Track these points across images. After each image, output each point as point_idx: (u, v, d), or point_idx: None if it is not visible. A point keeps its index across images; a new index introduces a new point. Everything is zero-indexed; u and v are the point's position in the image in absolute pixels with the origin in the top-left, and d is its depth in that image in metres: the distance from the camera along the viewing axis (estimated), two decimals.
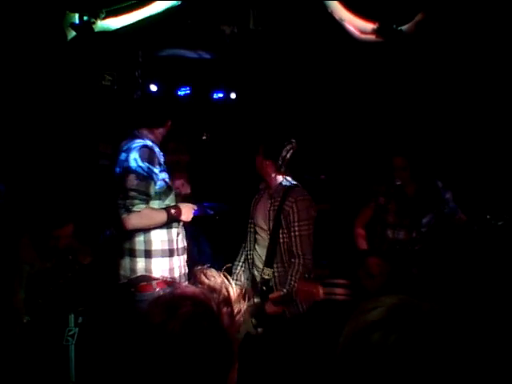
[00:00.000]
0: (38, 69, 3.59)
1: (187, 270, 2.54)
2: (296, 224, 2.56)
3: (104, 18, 3.21)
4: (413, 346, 0.75)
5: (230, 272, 2.55)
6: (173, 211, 2.40)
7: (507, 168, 3.42)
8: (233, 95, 4.41)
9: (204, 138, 4.45)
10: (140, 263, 2.39)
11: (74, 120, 4.13)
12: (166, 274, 2.41)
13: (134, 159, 2.32)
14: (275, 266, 2.65)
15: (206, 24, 3.67)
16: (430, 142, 3.34)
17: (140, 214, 2.28)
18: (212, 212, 3.95)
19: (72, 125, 4.11)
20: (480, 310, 2.68)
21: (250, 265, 2.77)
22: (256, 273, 2.75)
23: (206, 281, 0.98)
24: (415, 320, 0.77)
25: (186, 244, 2.57)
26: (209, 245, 3.55)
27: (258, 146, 2.66)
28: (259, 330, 2.53)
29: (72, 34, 3.31)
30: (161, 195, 2.43)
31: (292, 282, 2.56)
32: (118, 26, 3.27)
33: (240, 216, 3.04)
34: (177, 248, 2.47)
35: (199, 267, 1.04)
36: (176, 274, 2.47)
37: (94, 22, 3.18)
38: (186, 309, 0.89)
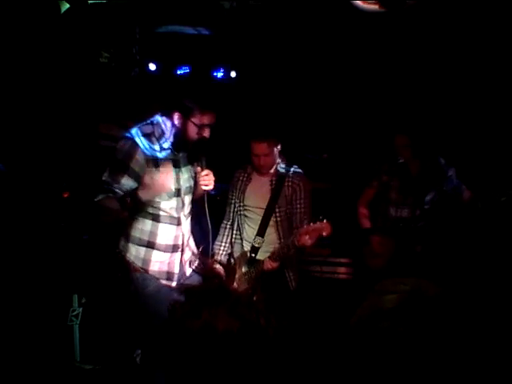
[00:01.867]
0: (31, 45, 3.51)
1: (174, 270, 2.45)
2: (302, 201, 2.74)
3: None
4: (418, 339, 0.77)
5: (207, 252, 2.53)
6: (127, 199, 2.27)
7: (510, 144, 3.38)
8: (233, 74, 4.32)
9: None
10: (121, 242, 2.42)
11: (72, 99, 4.07)
12: (139, 263, 2.38)
13: (115, 149, 2.28)
14: (266, 235, 2.78)
15: None
16: (432, 119, 3.30)
17: (96, 205, 2.22)
18: (214, 192, 3.92)
19: (69, 104, 4.05)
20: (484, 287, 2.69)
21: (238, 241, 2.85)
22: (247, 247, 2.84)
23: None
24: (422, 313, 0.79)
25: (177, 244, 2.45)
26: (211, 224, 3.53)
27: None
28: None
29: (65, 6, 3.23)
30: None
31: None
32: None
33: None
34: (160, 243, 2.39)
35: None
36: (151, 268, 2.40)
37: None
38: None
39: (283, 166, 2.79)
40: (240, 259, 2.79)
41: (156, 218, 2.36)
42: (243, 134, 2.74)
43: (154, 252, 2.38)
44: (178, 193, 2.40)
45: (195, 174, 2.49)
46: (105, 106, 4.23)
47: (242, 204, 2.78)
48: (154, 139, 2.30)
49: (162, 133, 2.33)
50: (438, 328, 0.78)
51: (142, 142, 2.27)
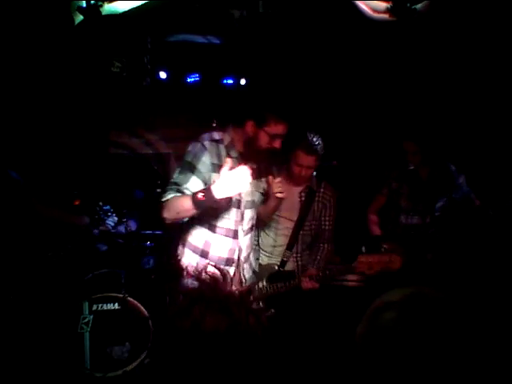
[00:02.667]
0: (45, 55, 3.57)
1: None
2: (331, 218, 2.81)
3: (111, 1, 3.17)
4: (422, 336, 0.76)
5: None
6: (199, 195, 2.05)
7: None
8: (243, 81, 4.35)
9: (214, 124, 4.41)
10: (179, 246, 2.40)
11: (84, 108, 4.13)
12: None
13: (185, 152, 2.23)
14: (294, 250, 2.79)
15: (215, 8, 3.61)
16: (442, 125, 3.27)
17: (166, 204, 2.12)
18: None
19: (81, 113, 4.11)
20: (493, 294, 2.65)
21: (256, 248, 2.79)
22: (265, 258, 2.81)
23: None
24: (427, 314, 0.79)
25: (232, 258, 2.36)
26: None
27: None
28: (271, 310, 2.52)
29: (79, 18, 3.28)
30: None
31: (321, 263, 2.79)
32: (126, 9, 3.23)
33: None
34: (214, 255, 2.32)
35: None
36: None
37: (101, 5, 3.14)
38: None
39: (313, 178, 2.78)
40: (264, 271, 2.73)
41: (212, 228, 2.31)
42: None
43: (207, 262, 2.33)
44: (237, 204, 2.31)
45: (263, 190, 2.43)
46: (116, 114, 4.28)
47: None
48: (221, 146, 2.24)
49: (232, 141, 2.27)
50: (445, 328, 0.77)
51: (210, 146, 2.22)
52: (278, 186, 2.31)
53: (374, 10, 3.16)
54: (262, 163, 2.35)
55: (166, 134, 4.61)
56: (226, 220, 2.30)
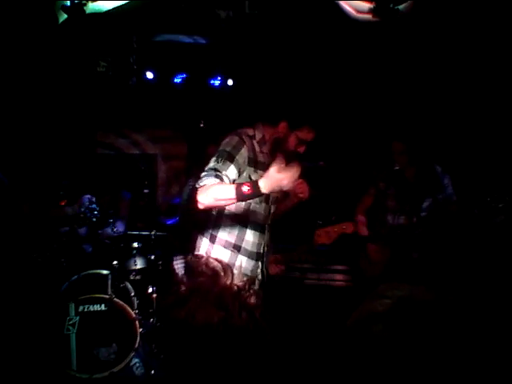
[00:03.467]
0: (29, 54, 3.53)
1: (260, 276, 2.39)
2: None
3: (95, 0, 3.15)
4: (410, 343, 0.77)
5: None
6: (244, 188, 2.02)
7: (507, 150, 3.39)
8: (230, 82, 4.35)
9: (201, 125, 4.41)
10: (204, 243, 2.37)
11: (70, 108, 4.09)
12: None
13: (222, 143, 2.23)
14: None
15: (201, 8, 3.61)
16: (428, 126, 3.31)
17: (205, 188, 2.08)
18: None
19: (67, 113, 4.07)
20: (481, 293, 2.69)
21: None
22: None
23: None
24: (415, 319, 0.79)
25: (259, 252, 2.38)
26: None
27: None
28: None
29: (63, 16, 3.26)
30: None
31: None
32: (110, 8, 3.21)
33: None
34: (246, 249, 2.34)
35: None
36: (235, 271, 2.31)
37: (85, 4, 3.12)
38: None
39: None
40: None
41: (245, 222, 2.32)
42: None
43: (239, 256, 2.34)
44: (267, 199, 2.35)
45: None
46: (103, 114, 4.25)
47: None
48: (254, 141, 2.30)
49: (263, 137, 2.32)
50: (432, 333, 0.78)
51: (247, 141, 2.26)
52: (300, 186, 2.31)
53: (358, 11, 3.19)
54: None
55: (153, 134, 4.60)
56: (258, 215, 2.34)
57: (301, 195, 2.34)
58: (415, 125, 3.10)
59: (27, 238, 2.73)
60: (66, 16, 3.30)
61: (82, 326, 2.91)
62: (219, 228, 2.34)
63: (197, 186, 2.15)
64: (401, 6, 3.07)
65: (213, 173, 2.15)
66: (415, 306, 0.81)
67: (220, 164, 2.18)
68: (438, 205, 2.99)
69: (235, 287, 1.01)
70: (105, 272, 3.07)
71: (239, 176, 2.23)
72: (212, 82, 4.35)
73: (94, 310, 2.96)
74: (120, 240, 3.31)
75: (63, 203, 3.16)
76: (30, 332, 2.62)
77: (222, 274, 1.04)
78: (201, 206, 2.13)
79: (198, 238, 2.41)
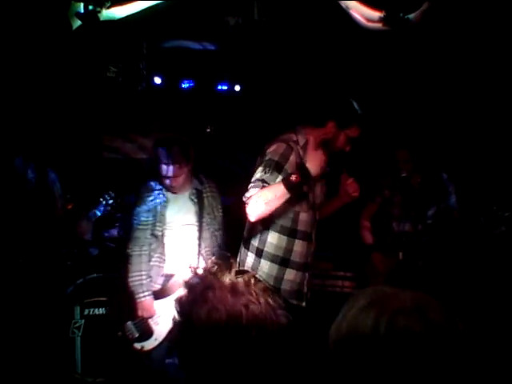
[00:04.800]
0: (42, 59, 3.57)
1: (304, 290, 2.34)
2: (220, 206, 2.88)
3: (109, 7, 3.19)
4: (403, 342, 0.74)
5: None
6: (292, 177, 2.02)
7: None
8: (237, 87, 4.37)
9: (208, 130, 4.43)
10: (250, 258, 2.31)
11: (79, 112, 4.13)
12: (271, 282, 2.24)
13: (268, 152, 2.19)
14: (202, 249, 2.78)
15: (210, 15, 3.64)
16: (433, 133, 3.31)
17: (254, 197, 2.07)
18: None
19: (76, 117, 4.11)
20: (485, 300, 2.67)
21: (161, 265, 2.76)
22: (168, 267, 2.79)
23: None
24: (401, 314, 0.76)
25: (307, 262, 2.33)
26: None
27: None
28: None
29: (77, 23, 3.29)
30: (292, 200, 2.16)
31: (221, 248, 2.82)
32: (123, 15, 3.25)
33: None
34: (294, 261, 2.28)
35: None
36: (283, 287, 2.27)
37: (99, 11, 3.15)
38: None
39: (193, 179, 2.75)
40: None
41: (293, 233, 2.26)
42: (246, 146, 2.73)
43: (288, 270, 2.27)
44: (313, 207, 2.31)
45: (325, 190, 2.40)
46: (110, 118, 4.28)
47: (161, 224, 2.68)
48: (299, 147, 2.25)
49: (306, 142, 2.23)
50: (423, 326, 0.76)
51: (294, 147, 2.23)
52: (351, 185, 2.30)
53: (368, 20, 3.20)
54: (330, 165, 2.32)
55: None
56: (305, 223, 2.28)
57: (353, 194, 2.31)
58: (420, 132, 3.11)
59: (41, 240, 2.75)
60: (79, 23, 3.34)
61: (87, 329, 2.91)
62: (265, 241, 2.27)
63: (244, 199, 2.12)
64: (411, 16, 3.08)
65: (259, 184, 2.10)
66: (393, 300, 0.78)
67: (268, 175, 2.13)
68: (442, 212, 2.98)
69: (242, 281, 1.00)
70: (110, 275, 3.08)
71: None
72: (219, 87, 4.37)
73: (99, 314, 2.97)
74: (125, 243, 3.32)
75: (70, 207, 3.18)
76: (35, 335, 2.63)
77: (227, 268, 1.02)
78: (252, 218, 2.10)
79: (243, 251, 2.35)
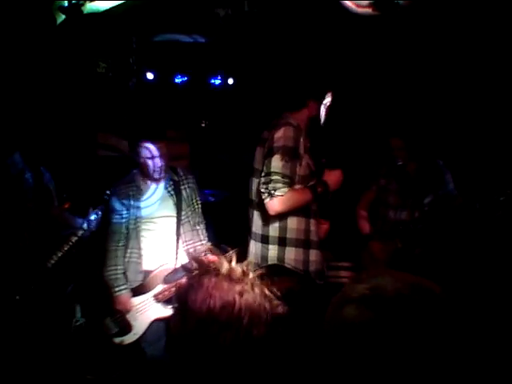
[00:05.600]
0: (28, 56, 3.53)
1: (325, 268, 2.38)
2: (199, 198, 2.86)
3: (92, 0, 3.15)
4: (391, 327, 0.74)
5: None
6: (319, 189, 2.20)
7: (507, 143, 3.39)
8: (230, 81, 4.35)
9: (203, 125, 4.41)
10: (272, 251, 2.29)
11: (71, 110, 4.09)
12: (300, 267, 2.26)
13: (279, 137, 2.20)
14: (181, 241, 2.74)
15: (200, 7, 3.60)
16: (427, 120, 3.31)
17: (283, 199, 2.12)
18: (213, 199, 3.95)
19: (69, 114, 4.07)
20: (483, 288, 2.69)
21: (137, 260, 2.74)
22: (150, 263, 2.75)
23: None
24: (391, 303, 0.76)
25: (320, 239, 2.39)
26: (212, 231, 3.55)
27: None
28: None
29: (61, 17, 3.26)
30: (304, 180, 2.26)
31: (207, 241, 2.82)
32: (107, 7, 3.21)
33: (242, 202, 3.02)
34: (313, 240, 2.31)
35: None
36: (311, 268, 2.30)
37: (82, 4, 3.11)
38: None
39: (168, 169, 2.72)
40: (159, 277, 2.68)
41: (308, 213, 2.30)
42: (240, 139, 2.72)
43: (311, 251, 2.30)
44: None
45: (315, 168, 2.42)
46: (103, 116, 4.25)
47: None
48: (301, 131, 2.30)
49: (299, 125, 2.31)
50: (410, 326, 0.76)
51: (299, 128, 2.28)
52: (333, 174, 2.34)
53: (358, 5, 3.18)
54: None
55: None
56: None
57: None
58: (413, 120, 3.11)
59: (42, 240, 2.75)
60: (63, 17, 3.29)
61: (88, 327, 2.92)
62: (286, 228, 2.27)
63: (266, 191, 2.14)
64: (401, 0, 3.06)
65: (288, 181, 2.15)
66: (389, 295, 0.76)
67: (289, 164, 2.16)
68: (439, 200, 2.99)
69: (240, 269, 1.00)
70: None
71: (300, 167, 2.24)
72: (212, 81, 4.35)
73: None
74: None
75: (67, 206, 3.16)
76: (37, 333, 2.64)
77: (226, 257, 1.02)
78: (273, 213, 2.17)
79: (259, 246, 2.33)
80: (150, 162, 2.57)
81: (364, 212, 3.22)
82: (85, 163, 4.02)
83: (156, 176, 2.61)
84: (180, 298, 0.98)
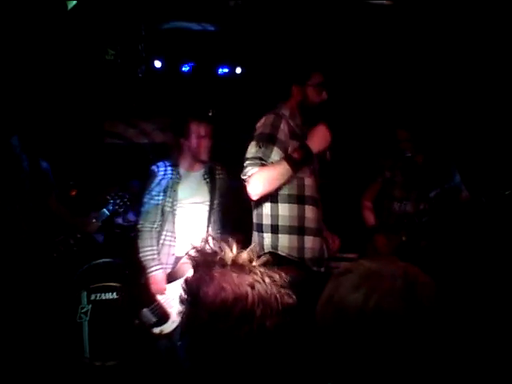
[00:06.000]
0: (37, 42, 3.52)
1: (325, 256, 2.35)
2: (230, 190, 2.84)
3: None
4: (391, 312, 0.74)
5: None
6: (295, 155, 2.10)
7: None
8: (238, 70, 4.32)
9: (210, 114, 4.39)
10: (267, 239, 2.28)
11: (78, 97, 4.09)
12: (294, 254, 2.25)
13: (258, 127, 2.21)
14: (211, 230, 2.77)
15: None
16: (434, 113, 3.28)
17: (255, 178, 2.09)
18: None
19: (75, 102, 4.08)
20: (487, 282, 2.68)
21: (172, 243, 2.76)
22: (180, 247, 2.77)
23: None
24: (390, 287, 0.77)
25: (320, 227, 2.34)
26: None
27: None
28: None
29: (72, 3, 3.24)
30: None
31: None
32: None
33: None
34: (309, 227, 2.28)
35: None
36: (306, 256, 2.27)
37: None
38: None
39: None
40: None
41: (301, 200, 2.26)
42: (247, 129, 2.69)
43: (306, 238, 2.27)
44: (314, 171, 2.33)
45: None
46: (111, 103, 4.25)
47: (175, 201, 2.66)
48: (287, 118, 2.28)
49: (291, 113, 2.29)
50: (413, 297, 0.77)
51: (283, 116, 2.26)
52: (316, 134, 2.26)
53: None
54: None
55: (162, 123, 4.59)
56: (311, 188, 2.29)
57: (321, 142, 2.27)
58: (420, 112, 3.08)
59: (43, 230, 2.75)
60: (74, 2, 3.28)
61: (94, 314, 2.95)
62: (278, 216, 2.26)
63: (243, 177, 2.13)
64: None
65: (257, 162, 2.11)
66: (384, 278, 0.78)
67: (263, 149, 2.13)
68: (445, 193, 2.97)
69: (243, 256, 1.01)
70: (116, 261, 3.10)
71: (285, 153, 2.19)
72: (220, 70, 4.32)
73: (105, 299, 3.01)
74: (131, 230, 3.34)
75: (73, 193, 3.18)
76: (43, 320, 2.67)
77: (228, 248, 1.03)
78: (255, 197, 2.12)
79: (257, 236, 2.31)
80: (197, 142, 2.59)
81: (369, 203, 3.21)
82: (92, 151, 4.03)
83: (203, 157, 2.64)
84: (191, 291, 0.98)
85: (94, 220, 2.81)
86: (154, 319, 2.62)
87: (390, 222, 3.06)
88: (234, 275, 0.96)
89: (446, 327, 0.76)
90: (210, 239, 1.07)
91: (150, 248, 2.62)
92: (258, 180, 2.08)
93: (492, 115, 3.51)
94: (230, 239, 1.06)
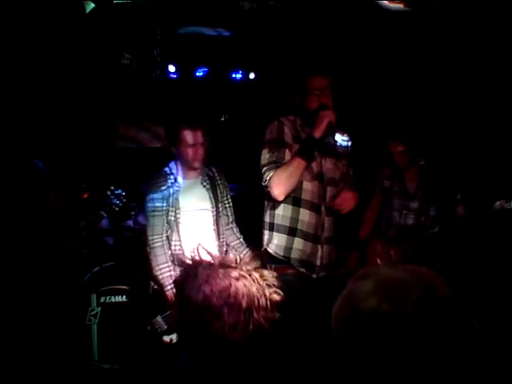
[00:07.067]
0: (55, 44, 3.58)
1: (316, 263, 2.35)
2: (229, 195, 2.86)
3: None
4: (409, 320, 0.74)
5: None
6: (301, 148, 2.22)
7: (504, 153, 3.30)
8: (251, 75, 4.32)
9: (223, 119, 4.40)
10: (265, 236, 2.39)
11: (93, 100, 4.14)
12: (280, 252, 2.32)
13: (265, 135, 2.33)
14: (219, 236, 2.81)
15: (225, 0, 3.59)
16: (430, 127, 3.24)
17: (273, 179, 2.20)
18: (232, 193, 3.94)
19: (91, 105, 4.12)
20: (487, 294, 2.63)
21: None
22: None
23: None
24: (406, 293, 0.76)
25: (317, 234, 2.36)
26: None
27: None
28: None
29: (90, 6, 3.29)
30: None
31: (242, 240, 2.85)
32: None
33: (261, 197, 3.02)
34: (302, 230, 2.32)
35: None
36: (292, 255, 2.32)
37: None
38: None
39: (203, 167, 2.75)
40: None
41: (297, 202, 2.32)
42: (261, 134, 2.68)
43: (296, 239, 2.32)
44: (320, 178, 2.37)
45: (342, 172, 2.47)
46: (124, 107, 4.28)
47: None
48: (296, 125, 2.36)
49: (302, 122, 2.36)
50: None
51: (286, 122, 2.35)
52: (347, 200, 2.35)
53: (390, 0, 3.12)
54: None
55: None
56: (310, 192, 2.34)
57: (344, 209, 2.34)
58: (414, 124, 3.06)
59: (49, 230, 2.78)
60: (92, 6, 3.32)
61: (104, 316, 2.97)
62: (275, 214, 2.36)
63: (264, 183, 2.24)
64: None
65: (273, 166, 2.23)
66: (396, 284, 0.77)
67: (276, 153, 2.25)
68: (444, 205, 2.94)
69: (234, 259, 1.03)
70: (126, 264, 3.12)
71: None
72: (234, 75, 4.33)
73: (115, 301, 3.02)
74: (141, 233, 3.36)
75: (85, 196, 3.21)
76: (53, 322, 2.69)
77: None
78: (280, 197, 2.23)
79: (263, 232, 2.42)
80: (190, 150, 2.57)
81: (369, 215, 3.19)
82: (105, 154, 4.07)
83: (196, 165, 2.61)
84: (177, 289, 1.01)
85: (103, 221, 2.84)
86: (165, 327, 2.64)
87: (389, 231, 3.03)
88: (220, 270, 0.98)
89: (460, 339, 0.75)
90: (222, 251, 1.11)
91: (166, 265, 2.60)
92: (278, 180, 2.19)
93: (486, 131, 3.46)
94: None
